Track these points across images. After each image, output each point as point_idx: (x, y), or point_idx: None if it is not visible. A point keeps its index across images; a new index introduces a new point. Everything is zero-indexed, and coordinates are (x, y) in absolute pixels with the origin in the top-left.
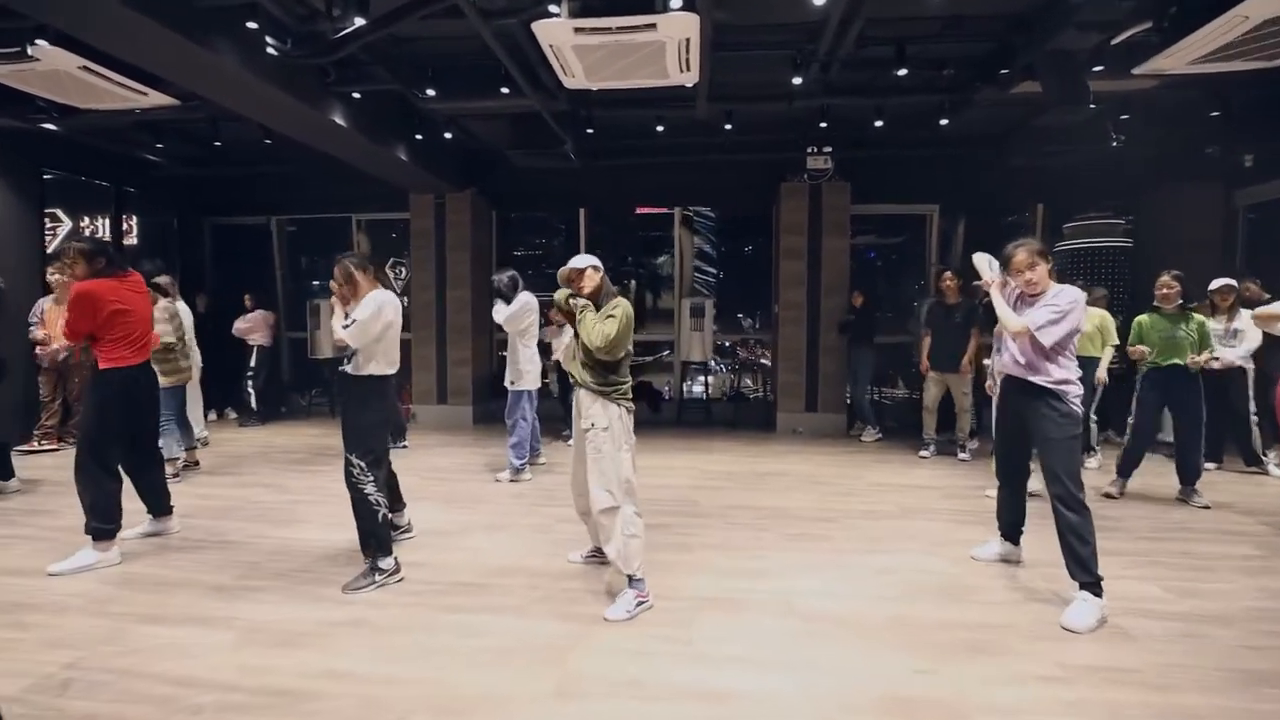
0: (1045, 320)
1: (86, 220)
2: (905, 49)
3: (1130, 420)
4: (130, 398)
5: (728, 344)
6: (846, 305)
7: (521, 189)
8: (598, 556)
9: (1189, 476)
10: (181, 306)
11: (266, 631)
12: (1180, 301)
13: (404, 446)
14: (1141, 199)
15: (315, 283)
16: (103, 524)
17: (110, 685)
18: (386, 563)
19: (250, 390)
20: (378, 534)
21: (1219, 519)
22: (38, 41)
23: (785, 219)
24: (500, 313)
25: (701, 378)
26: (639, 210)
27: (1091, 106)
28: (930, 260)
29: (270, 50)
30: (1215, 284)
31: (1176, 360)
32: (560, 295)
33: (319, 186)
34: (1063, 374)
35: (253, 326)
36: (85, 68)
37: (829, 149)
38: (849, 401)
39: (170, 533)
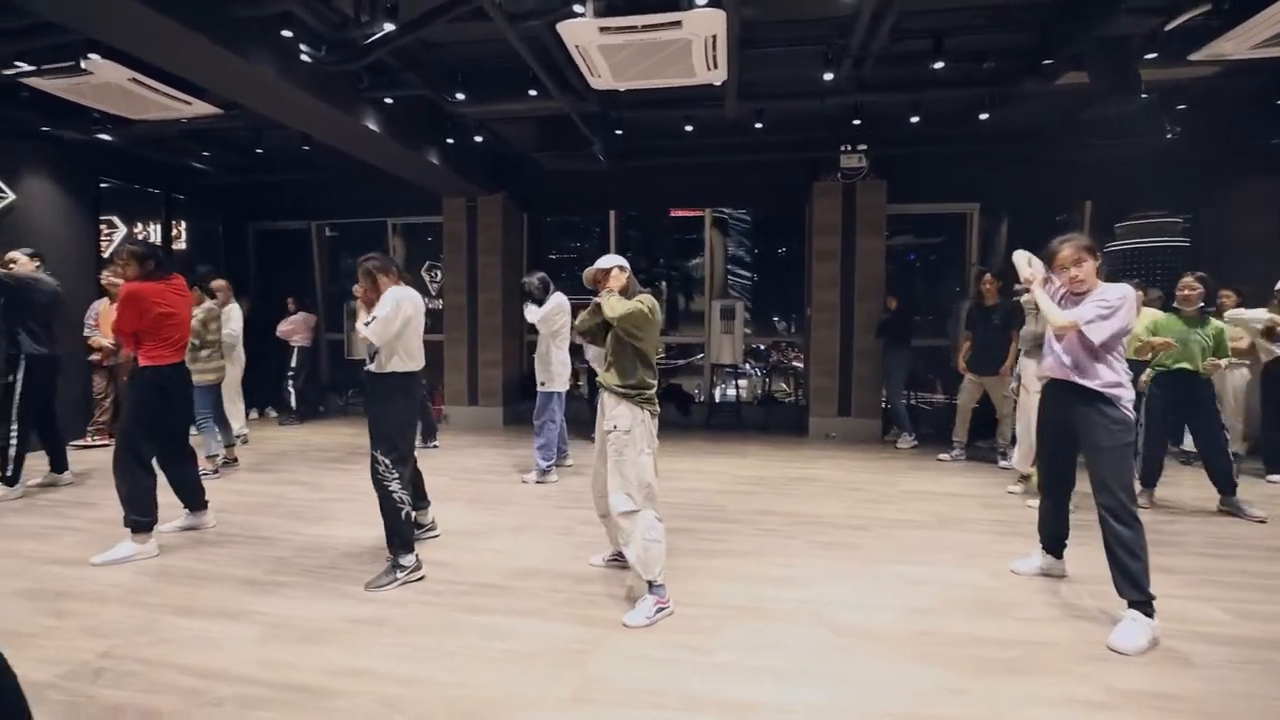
0: (1094, 315)
1: (139, 226)
2: (943, 41)
3: (1140, 428)
4: (166, 394)
5: (761, 347)
6: (881, 308)
7: (551, 192)
8: (619, 560)
9: (1225, 486)
10: (234, 309)
11: (291, 627)
12: (1201, 304)
13: (435, 446)
14: (1200, 195)
15: (355, 286)
16: (140, 517)
17: (140, 675)
18: (407, 560)
19: (290, 390)
20: (400, 531)
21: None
22: (90, 56)
23: (818, 219)
24: (533, 314)
25: (733, 381)
26: (672, 213)
27: (1143, 96)
28: (970, 261)
29: (304, 58)
30: None
31: (1186, 365)
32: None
33: (356, 192)
34: (1113, 376)
35: (295, 328)
36: (134, 79)
37: (864, 147)
38: (885, 406)
39: (206, 527)
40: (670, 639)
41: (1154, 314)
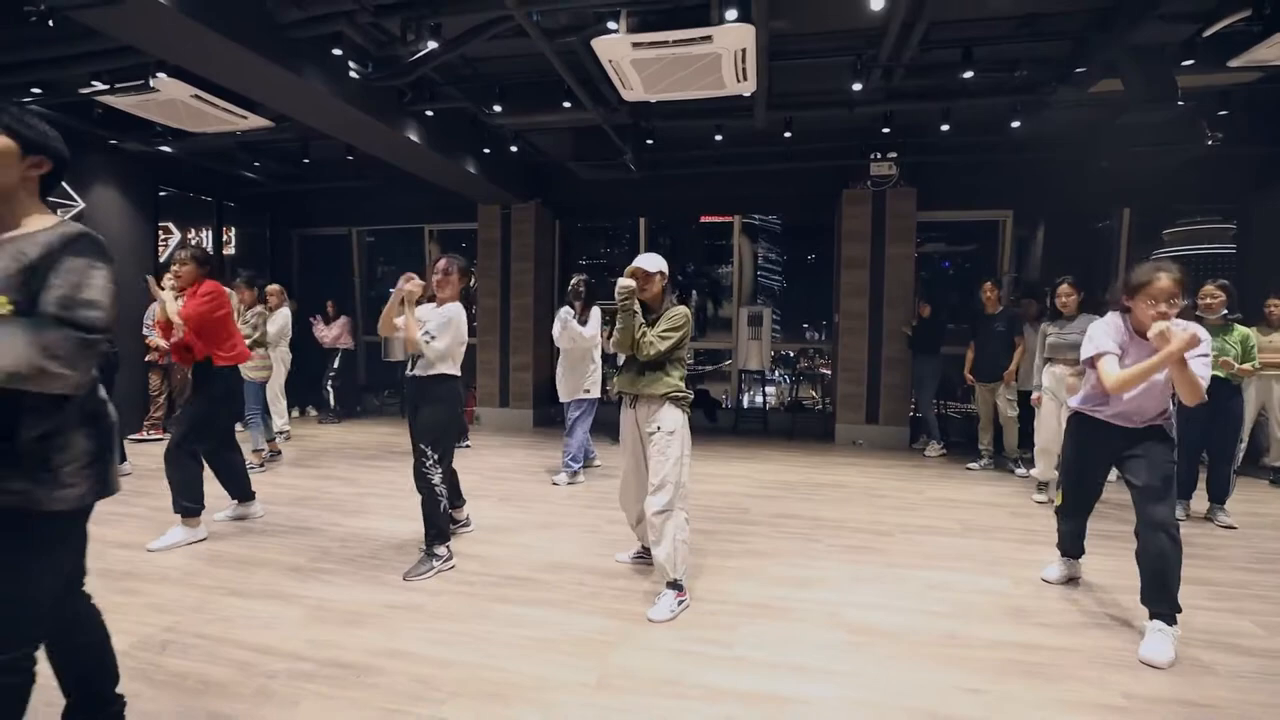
0: (1202, 371)
1: (193, 231)
2: (973, 51)
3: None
4: (236, 394)
5: (791, 354)
6: (914, 315)
7: (584, 199)
8: (645, 558)
9: (1218, 494)
10: (285, 312)
11: (334, 610)
12: (1224, 312)
13: (467, 446)
14: (1248, 202)
15: (391, 290)
16: (192, 503)
17: (199, 648)
18: (441, 550)
19: (329, 389)
20: (438, 523)
21: None
22: (159, 75)
23: (847, 226)
24: (578, 329)
25: (761, 387)
26: (703, 219)
27: (1180, 104)
28: (1003, 269)
29: (353, 74)
30: None
31: (1215, 373)
32: (623, 284)
33: (394, 199)
34: (1168, 403)
35: (339, 334)
36: (196, 96)
37: (893, 155)
38: (914, 414)
39: (255, 517)
40: (691, 633)
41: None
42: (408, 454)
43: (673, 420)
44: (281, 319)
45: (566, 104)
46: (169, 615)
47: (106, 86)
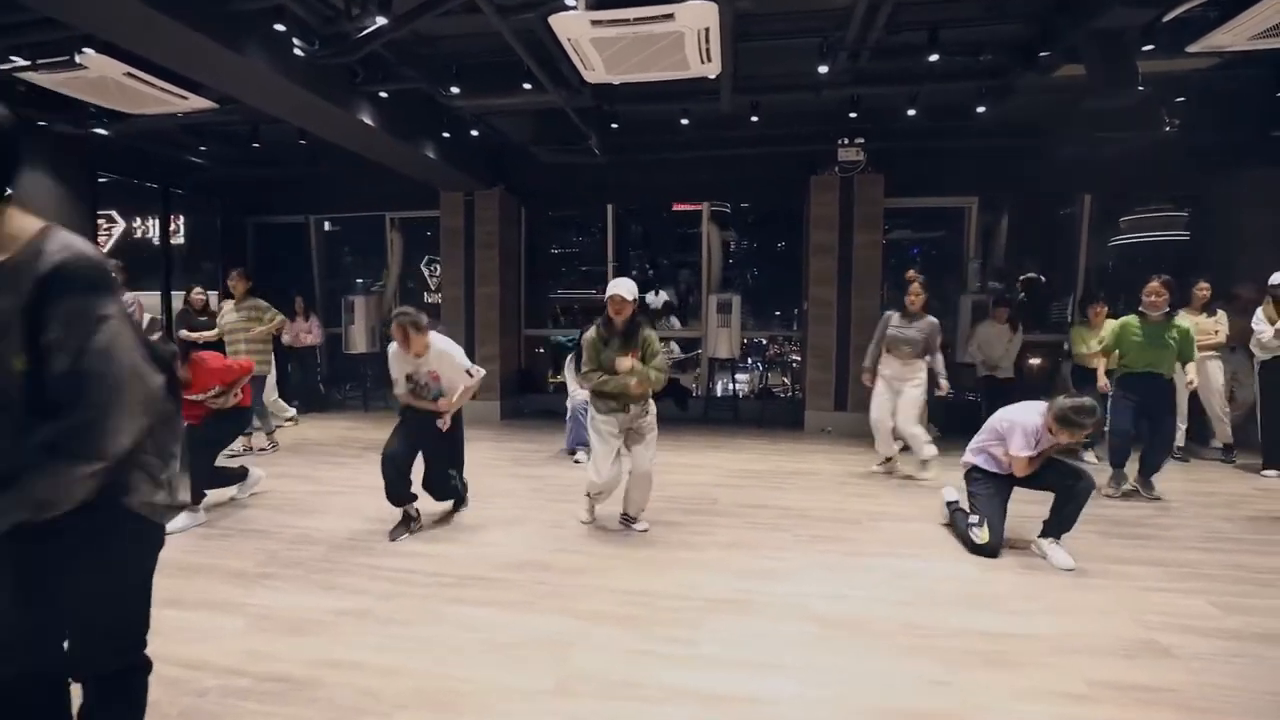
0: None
1: (138, 220)
2: (939, 33)
3: (1107, 424)
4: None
5: (763, 341)
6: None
7: (549, 185)
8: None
9: (1150, 471)
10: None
11: (276, 619)
12: (1167, 310)
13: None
14: (1201, 189)
15: (360, 280)
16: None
17: None
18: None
19: (320, 386)
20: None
21: (1274, 529)
22: (85, 50)
23: (815, 213)
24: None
25: (730, 375)
26: (675, 207)
27: (1140, 89)
28: (969, 255)
29: (297, 51)
30: (1277, 278)
31: (1154, 369)
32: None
33: (353, 186)
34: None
35: (316, 336)
36: (130, 74)
37: (861, 140)
38: None
39: (199, 522)
40: (654, 631)
41: (1121, 321)
42: (369, 448)
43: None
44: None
45: (527, 85)
46: None
47: (28, 63)
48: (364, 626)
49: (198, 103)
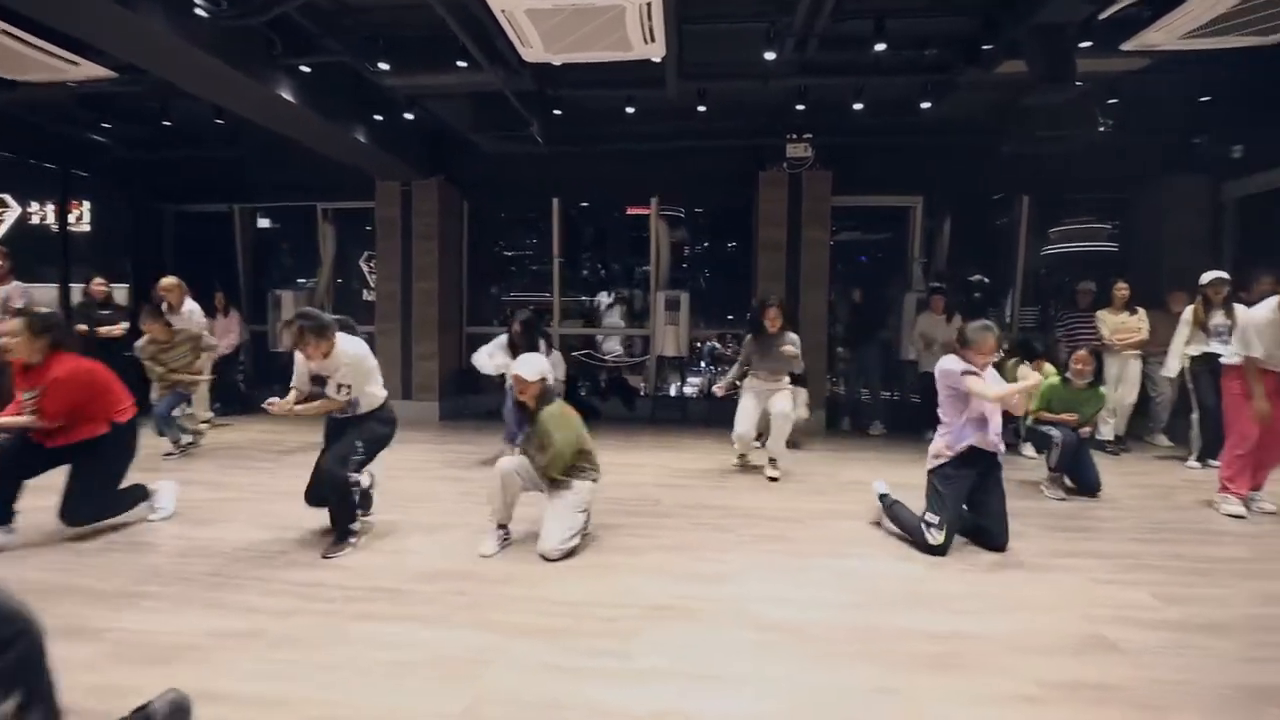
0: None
1: (35, 205)
2: (885, 24)
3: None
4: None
5: (714, 344)
6: (845, 302)
7: (492, 177)
8: (507, 539)
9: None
10: (194, 305)
11: (144, 645)
12: (1091, 379)
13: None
14: (1129, 193)
15: (303, 280)
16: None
17: None
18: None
19: (240, 385)
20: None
21: (1208, 518)
22: None
23: (764, 209)
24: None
25: (680, 374)
26: (629, 210)
27: (1078, 84)
28: (913, 254)
29: (200, 12)
30: (1207, 277)
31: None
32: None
33: (282, 173)
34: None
35: (237, 336)
36: (4, 31)
37: (809, 136)
38: (839, 395)
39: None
40: (585, 643)
41: (1050, 383)
42: (287, 453)
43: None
44: (195, 315)
45: (462, 63)
46: None
47: None
48: (249, 651)
49: (91, 70)
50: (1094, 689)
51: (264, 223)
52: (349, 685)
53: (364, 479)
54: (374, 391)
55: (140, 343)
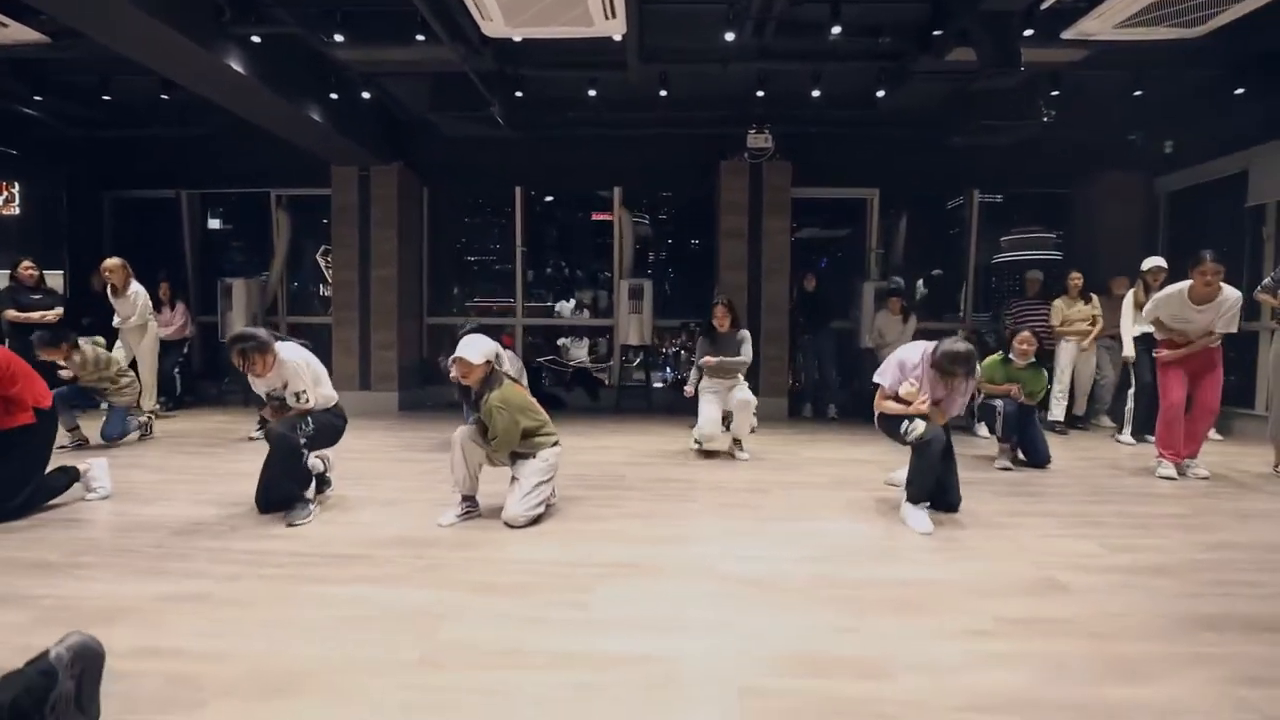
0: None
1: None
2: (840, 9)
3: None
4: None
5: (678, 344)
6: (798, 290)
7: (452, 162)
8: (471, 510)
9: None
10: (139, 289)
11: (81, 610)
12: (1033, 361)
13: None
14: (1070, 187)
15: (263, 275)
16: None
17: None
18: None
19: (176, 377)
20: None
21: (1149, 484)
22: None
23: (725, 198)
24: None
25: (644, 364)
26: (594, 216)
27: (1021, 69)
28: (870, 245)
29: None
30: (1148, 264)
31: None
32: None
33: (233, 158)
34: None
35: (183, 324)
36: None
37: (769, 126)
38: (797, 385)
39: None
40: (541, 598)
41: (992, 360)
42: (234, 441)
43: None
44: (140, 296)
45: (420, 37)
46: None
47: None
48: (194, 611)
49: (21, 33)
50: (1046, 623)
51: (215, 210)
52: (299, 641)
53: (317, 463)
54: (326, 393)
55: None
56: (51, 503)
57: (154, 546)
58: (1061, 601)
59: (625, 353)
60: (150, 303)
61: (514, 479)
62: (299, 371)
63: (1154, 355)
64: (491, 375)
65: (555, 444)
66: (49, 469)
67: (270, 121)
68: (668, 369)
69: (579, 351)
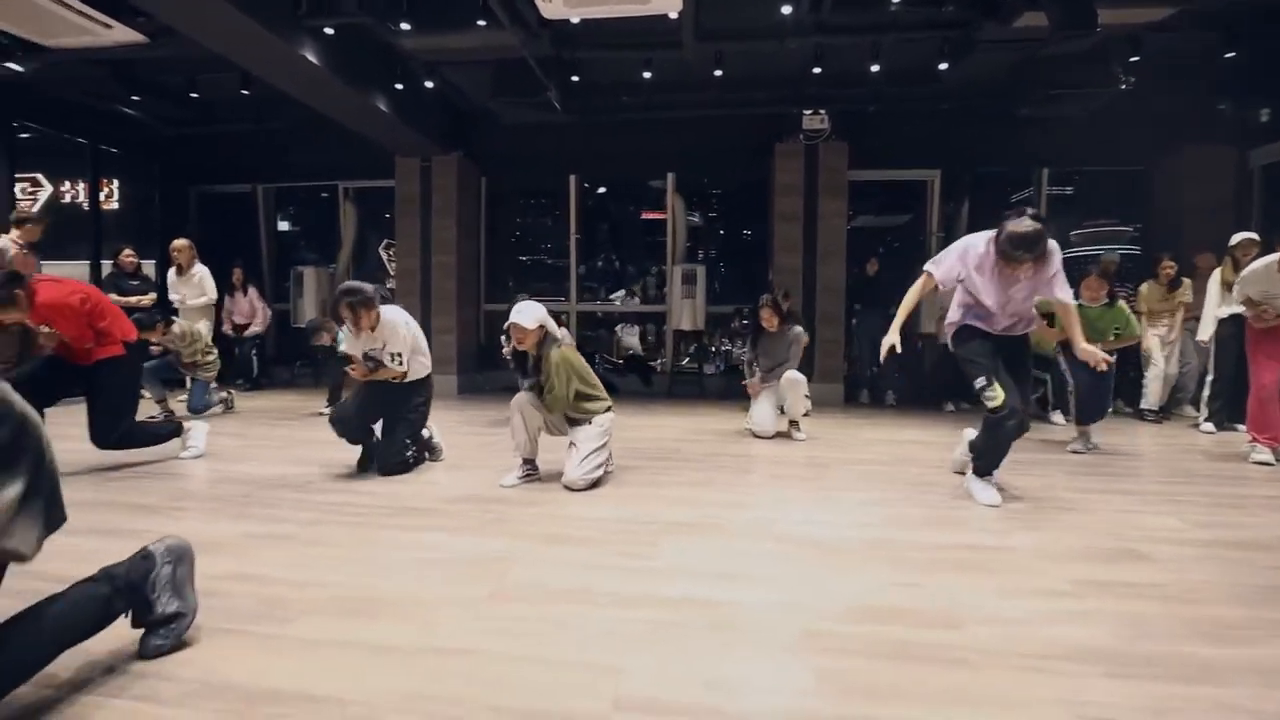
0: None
1: (66, 184)
2: None
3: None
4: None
5: (733, 325)
6: (857, 273)
7: (509, 152)
8: (533, 473)
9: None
10: (204, 269)
11: None
12: (1106, 301)
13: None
14: (1149, 163)
15: (337, 266)
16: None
17: None
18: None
19: (254, 358)
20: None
21: (1240, 468)
22: None
23: (780, 181)
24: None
25: (697, 350)
26: (644, 215)
27: (1098, 29)
28: (931, 230)
29: None
30: (1237, 238)
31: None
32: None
33: (304, 153)
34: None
35: (255, 312)
36: None
37: (823, 110)
38: (853, 373)
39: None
40: (607, 548)
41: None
42: (310, 415)
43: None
44: (203, 275)
45: (481, 22)
46: None
47: None
48: (279, 548)
49: (124, 34)
50: (1127, 586)
51: (286, 204)
52: (376, 575)
53: (425, 433)
54: (422, 361)
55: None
56: (149, 456)
57: (242, 496)
58: (1141, 568)
59: (678, 340)
60: (213, 283)
61: (571, 445)
62: (397, 331)
63: (1238, 339)
64: (546, 338)
65: (608, 409)
66: (158, 420)
67: (341, 112)
68: (719, 366)
69: (631, 339)
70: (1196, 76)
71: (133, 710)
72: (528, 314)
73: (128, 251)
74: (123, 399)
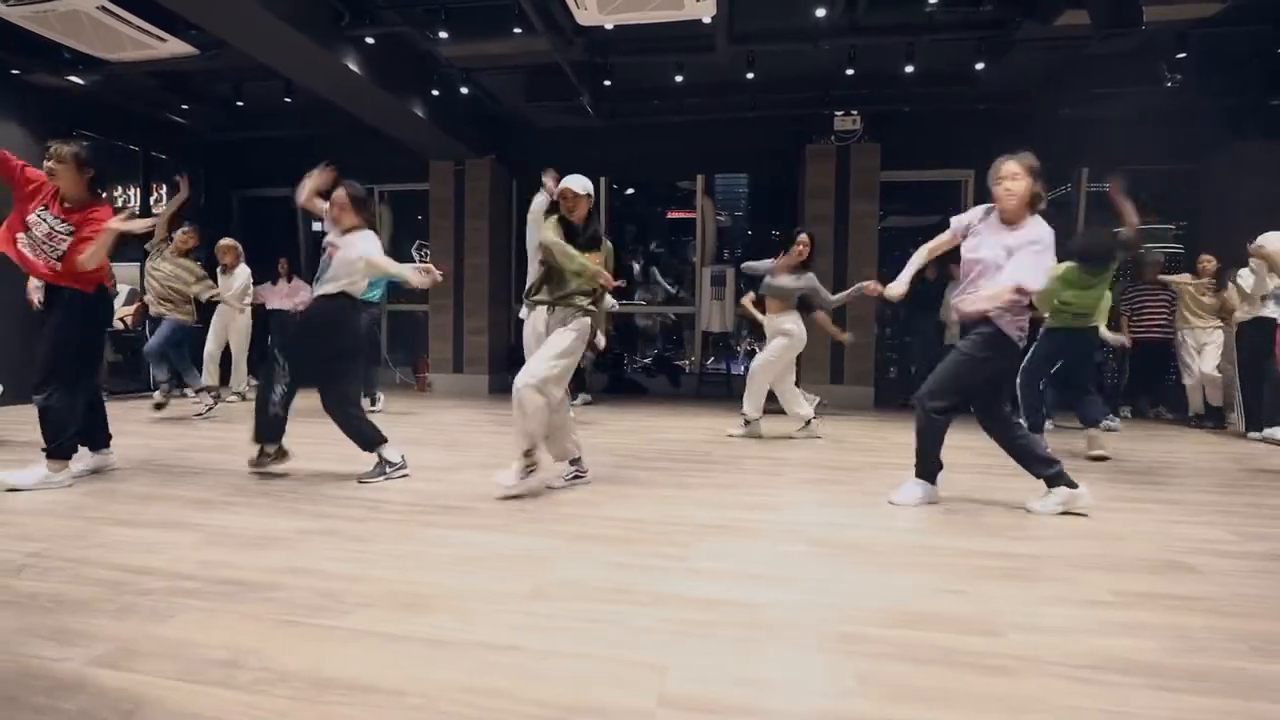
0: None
1: (119, 190)
2: None
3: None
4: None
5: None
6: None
7: (541, 155)
8: (579, 474)
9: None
10: (245, 270)
11: (237, 536)
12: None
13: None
14: (1199, 159)
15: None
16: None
17: (64, 570)
18: (389, 453)
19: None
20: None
21: None
22: None
23: (811, 182)
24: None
25: (726, 350)
26: (669, 214)
27: (1143, 27)
28: None
29: None
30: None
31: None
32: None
33: (341, 157)
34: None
35: (302, 299)
36: (102, 8)
37: (855, 112)
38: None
39: (109, 468)
40: (642, 549)
41: (1063, 268)
42: None
43: (579, 323)
44: (244, 277)
45: (517, 29)
46: (36, 543)
47: None
48: (330, 542)
49: (177, 47)
50: (1173, 599)
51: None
52: (422, 570)
53: (391, 455)
54: (353, 276)
55: (154, 240)
56: (198, 451)
57: (289, 492)
58: (1189, 581)
59: (706, 340)
60: (251, 285)
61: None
62: (355, 246)
63: (1269, 339)
64: (592, 217)
65: (586, 315)
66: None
67: (379, 118)
68: (744, 366)
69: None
70: (1247, 70)
71: (208, 694)
72: (578, 181)
73: (186, 228)
74: (63, 351)
